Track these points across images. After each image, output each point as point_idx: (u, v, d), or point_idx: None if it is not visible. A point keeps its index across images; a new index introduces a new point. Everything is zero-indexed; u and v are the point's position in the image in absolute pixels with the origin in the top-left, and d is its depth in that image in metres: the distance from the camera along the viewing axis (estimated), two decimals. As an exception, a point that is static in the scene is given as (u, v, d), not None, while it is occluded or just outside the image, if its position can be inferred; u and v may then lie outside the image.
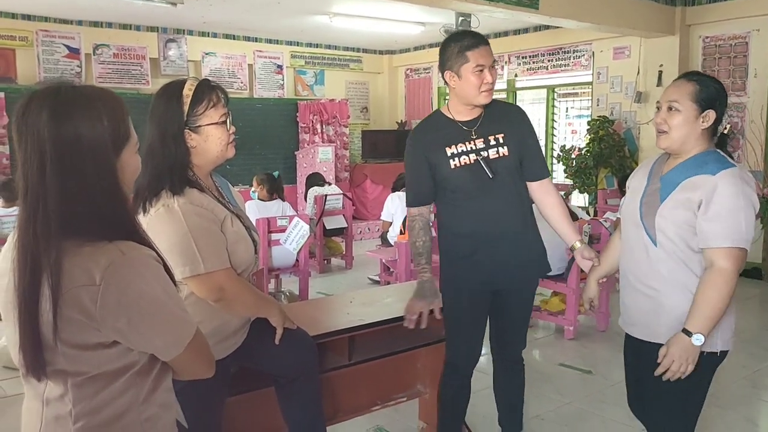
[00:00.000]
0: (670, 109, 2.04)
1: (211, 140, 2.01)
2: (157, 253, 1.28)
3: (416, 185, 2.60)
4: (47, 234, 1.18)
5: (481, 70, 2.41)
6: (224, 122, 2.03)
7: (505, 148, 2.49)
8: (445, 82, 2.51)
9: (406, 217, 6.20)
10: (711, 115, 2.02)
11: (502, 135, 2.49)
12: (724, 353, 2.08)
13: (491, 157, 2.48)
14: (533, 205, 2.65)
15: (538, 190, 2.59)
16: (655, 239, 2.06)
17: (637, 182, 2.20)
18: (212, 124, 2.00)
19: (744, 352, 4.48)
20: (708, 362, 2.04)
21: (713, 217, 1.94)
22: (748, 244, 1.96)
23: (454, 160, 2.49)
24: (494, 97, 2.51)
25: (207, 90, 2.00)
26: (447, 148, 2.50)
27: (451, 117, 2.55)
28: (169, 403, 1.37)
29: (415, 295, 2.57)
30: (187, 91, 1.97)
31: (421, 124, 2.66)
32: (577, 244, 2.56)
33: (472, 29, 6.98)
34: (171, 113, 1.97)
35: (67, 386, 1.23)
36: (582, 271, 2.54)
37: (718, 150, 2.07)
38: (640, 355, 2.20)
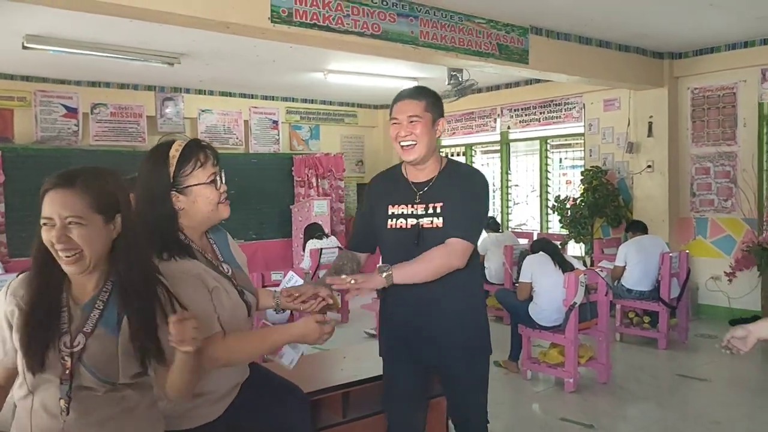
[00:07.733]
0: None
1: (200, 201, 1.94)
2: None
3: (357, 231, 2.66)
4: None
5: (396, 123, 2.40)
6: (213, 182, 1.96)
7: (440, 219, 2.35)
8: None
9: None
10: None
11: (441, 204, 2.37)
12: None
13: (425, 226, 2.36)
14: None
15: None
16: None
17: None
18: (200, 184, 1.94)
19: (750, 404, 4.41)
20: None
21: None
22: None
23: (391, 221, 2.41)
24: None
25: (195, 150, 1.95)
26: (390, 207, 2.42)
27: (405, 175, 2.48)
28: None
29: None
30: (174, 152, 1.92)
31: (381, 174, 2.63)
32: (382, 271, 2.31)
33: (462, 82, 7.14)
34: (156, 174, 1.92)
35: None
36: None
37: None
38: None
